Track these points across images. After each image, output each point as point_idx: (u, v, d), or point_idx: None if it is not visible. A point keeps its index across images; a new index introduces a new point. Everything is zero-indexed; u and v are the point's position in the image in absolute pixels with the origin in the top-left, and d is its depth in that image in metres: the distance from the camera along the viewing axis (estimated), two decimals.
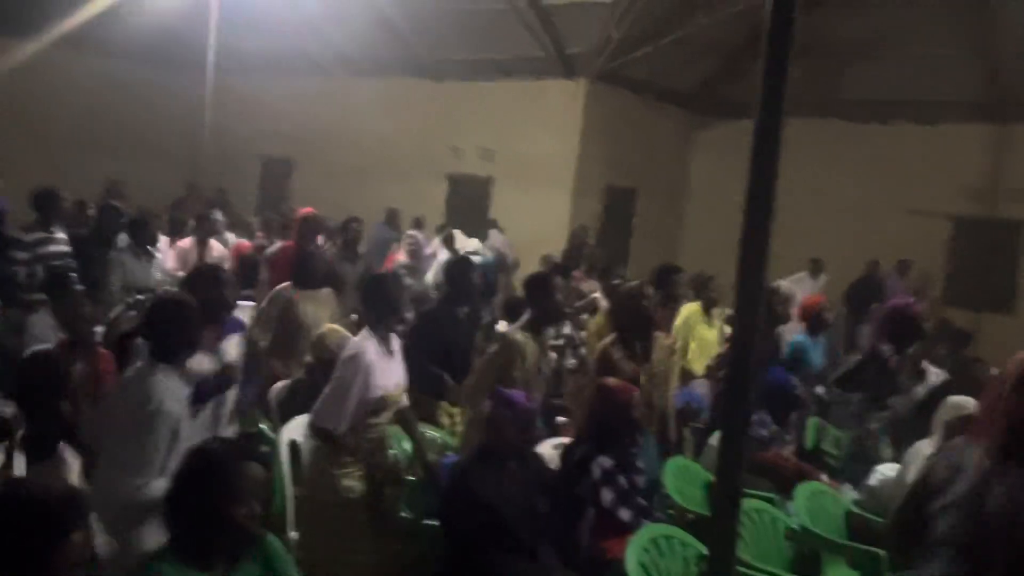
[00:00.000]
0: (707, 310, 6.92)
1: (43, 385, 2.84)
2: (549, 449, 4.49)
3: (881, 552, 3.96)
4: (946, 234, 12.94)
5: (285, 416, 4.63)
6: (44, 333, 5.25)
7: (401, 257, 10.04)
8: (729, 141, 13.88)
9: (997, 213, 12.68)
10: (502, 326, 6.45)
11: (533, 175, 13.17)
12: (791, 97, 2.24)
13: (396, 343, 4.19)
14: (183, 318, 3.36)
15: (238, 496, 2.36)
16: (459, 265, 5.97)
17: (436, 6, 12.95)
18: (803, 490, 4.41)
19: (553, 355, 5.54)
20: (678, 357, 5.84)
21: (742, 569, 3.54)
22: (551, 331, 5.09)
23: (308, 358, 4.98)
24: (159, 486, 3.04)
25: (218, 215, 9.41)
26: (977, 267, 12.64)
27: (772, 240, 2.27)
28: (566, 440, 4.45)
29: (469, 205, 13.74)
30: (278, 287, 5.95)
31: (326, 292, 6.04)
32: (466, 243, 11.03)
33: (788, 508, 4.40)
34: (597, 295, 7.65)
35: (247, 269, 7.40)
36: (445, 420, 5.26)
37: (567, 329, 6.31)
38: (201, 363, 3.78)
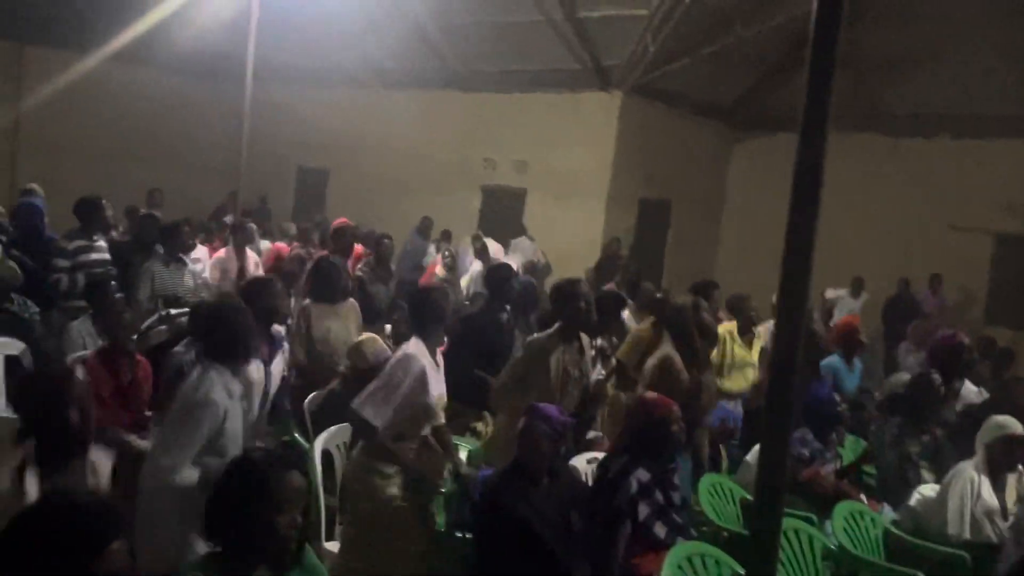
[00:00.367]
0: (743, 330, 6.83)
1: (45, 400, 2.85)
2: (582, 463, 4.47)
3: (919, 574, 3.88)
4: (988, 251, 12.72)
5: (318, 426, 4.65)
6: (83, 340, 5.34)
7: (439, 271, 10.08)
8: (766, 154, 13.87)
9: None
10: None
11: (567, 187, 13.16)
12: (831, 110, 2.20)
13: (440, 356, 4.23)
14: (238, 322, 3.47)
15: (280, 504, 2.36)
16: (499, 271, 6.05)
17: (472, 18, 13.02)
18: (841, 510, 4.34)
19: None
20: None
21: None
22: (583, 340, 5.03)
23: (343, 368, 5.00)
24: (189, 475, 3.07)
25: (251, 224, 9.51)
26: (1020, 285, 12.37)
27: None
28: (599, 454, 4.43)
29: (503, 217, 13.75)
30: (302, 306, 5.96)
31: (349, 304, 6.04)
32: (497, 252, 11.03)
33: (826, 528, 4.33)
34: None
35: (285, 280, 7.46)
36: (481, 428, 5.26)
37: (600, 340, 6.28)
38: (255, 371, 3.83)
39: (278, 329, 4.88)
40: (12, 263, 5.79)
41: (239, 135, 11.28)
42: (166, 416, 3.50)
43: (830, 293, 11.11)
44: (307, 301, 5.90)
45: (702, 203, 14.91)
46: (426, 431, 4.00)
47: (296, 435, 4.93)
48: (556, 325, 4.94)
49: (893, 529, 4.50)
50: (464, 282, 10.27)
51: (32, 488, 2.72)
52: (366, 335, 5.22)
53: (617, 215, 13.25)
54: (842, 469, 5.07)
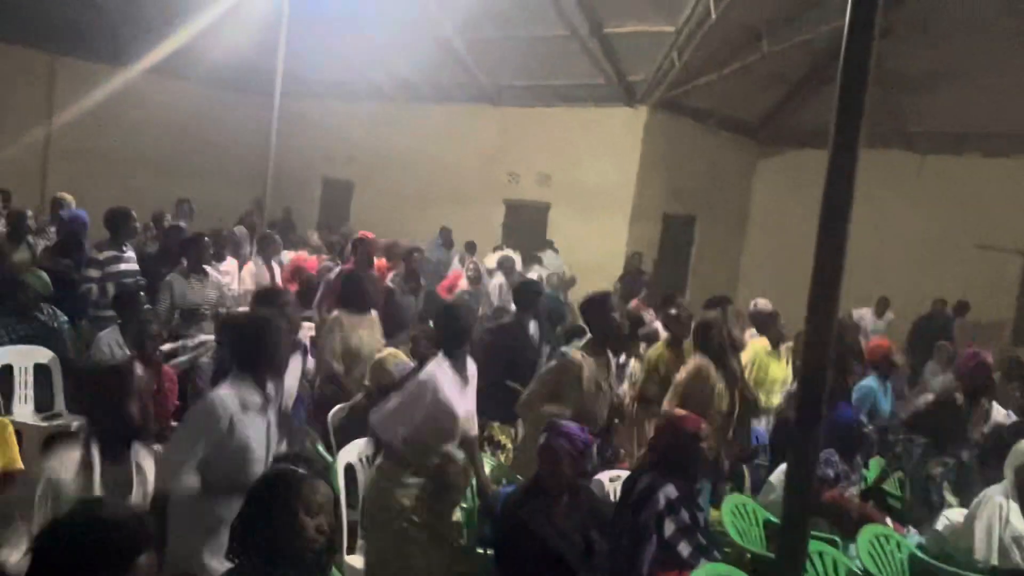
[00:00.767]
0: (775, 345, 6.83)
1: (110, 392, 2.94)
2: (606, 481, 4.46)
3: None
4: (1017, 271, 12.56)
5: (341, 440, 4.67)
6: (111, 349, 5.40)
7: (463, 284, 10.10)
8: (791, 170, 13.83)
9: None
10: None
11: (591, 201, 13.17)
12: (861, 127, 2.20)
13: (472, 369, 4.17)
14: (267, 334, 3.42)
15: (310, 507, 2.38)
16: (529, 286, 6.11)
17: (498, 33, 13.08)
18: (866, 532, 4.30)
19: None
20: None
21: None
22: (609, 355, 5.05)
23: (367, 382, 5.02)
24: (189, 481, 3.08)
25: (277, 236, 9.58)
26: None
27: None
28: (622, 472, 4.41)
29: (526, 230, 13.78)
30: (331, 316, 5.98)
31: (373, 315, 6.10)
32: (521, 266, 11.06)
33: (850, 551, 4.28)
34: (657, 325, 7.59)
35: (307, 290, 7.51)
36: (506, 441, 5.26)
37: (623, 357, 6.28)
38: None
39: (300, 339, 4.92)
40: (42, 273, 5.87)
41: (267, 147, 11.42)
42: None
43: (856, 313, 11.04)
44: (336, 312, 5.92)
45: (727, 219, 14.87)
46: (451, 446, 3.99)
47: (319, 448, 4.95)
48: (587, 338, 4.97)
49: (918, 553, 4.44)
50: (490, 287, 10.29)
51: (96, 478, 2.80)
52: (388, 350, 5.25)
53: (641, 230, 13.24)
54: (866, 491, 5.02)
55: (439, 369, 3.97)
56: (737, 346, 5.16)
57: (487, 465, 4.75)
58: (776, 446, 5.64)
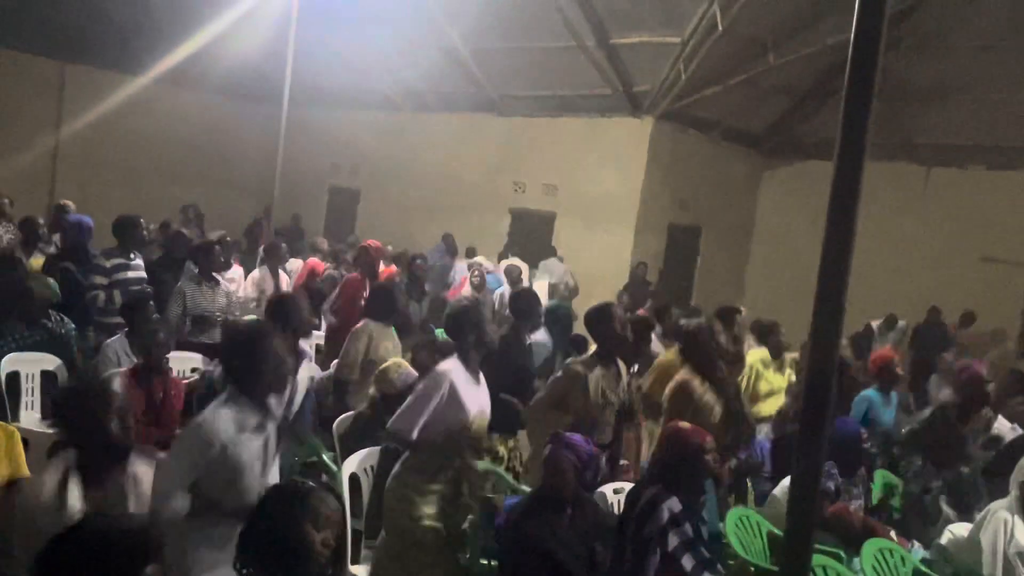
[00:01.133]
0: (775, 356, 6.83)
1: (85, 412, 2.88)
2: (610, 493, 4.45)
3: None
4: (1022, 283, 12.53)
5: (346, 449, 4.68)
6: (118, 357, 5.42)
7: (466, 289, 10.13)
8: (796, 182, 13.86)
9: None
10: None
11: (596, 211, 13.19)
12: (867, 139, 2.21)
13: (482, 375, 4.20)
14: (261, 350, 3.26)
15: (318, 521, 2.39)
16: (526, 296, 6.11)
17: (505, 43, 13.13)
18: (870, 547, 4.28)
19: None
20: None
21: None
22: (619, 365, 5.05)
23: (372, 391, 5.03)
24: (179, 504, 3.04)
25: (283, 244, 9.63)
26: None
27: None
28: (626, 484, 4.41)
29: (531, 240, 13.80)
30: (359, 324, 6.00)
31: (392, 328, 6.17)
32: (523, 271, 11.06)
33: (854, 564, 4.27)
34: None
35: (313, 299, 7.53)
36: (503, 452, 5.26)
37: (636, 366, 6.28)
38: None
39: (303, 347, 4.94)
40: (50, 280, 5.89)
41: (274, 155, 11.47)
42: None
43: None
44: (365, 321, 5.96)
45: (732, 230, 14.87)
46: (467, 453, 3.99)
47: (325, 458, 4.96)
48: (594, 348, 4.97)
49: (923, 568, 4.43)
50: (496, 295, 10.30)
51: (74, 499, 2.76)
52: (393, 360, 5.26)
53: (646, 240, 13.25)
54: (874, 506, 5.01)
55: (452, 364, 4.02)
56: (728, 356, 5.10)
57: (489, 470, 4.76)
58: (777, 459, 5.63)
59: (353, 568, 4.13)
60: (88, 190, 12.68)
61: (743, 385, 6.69)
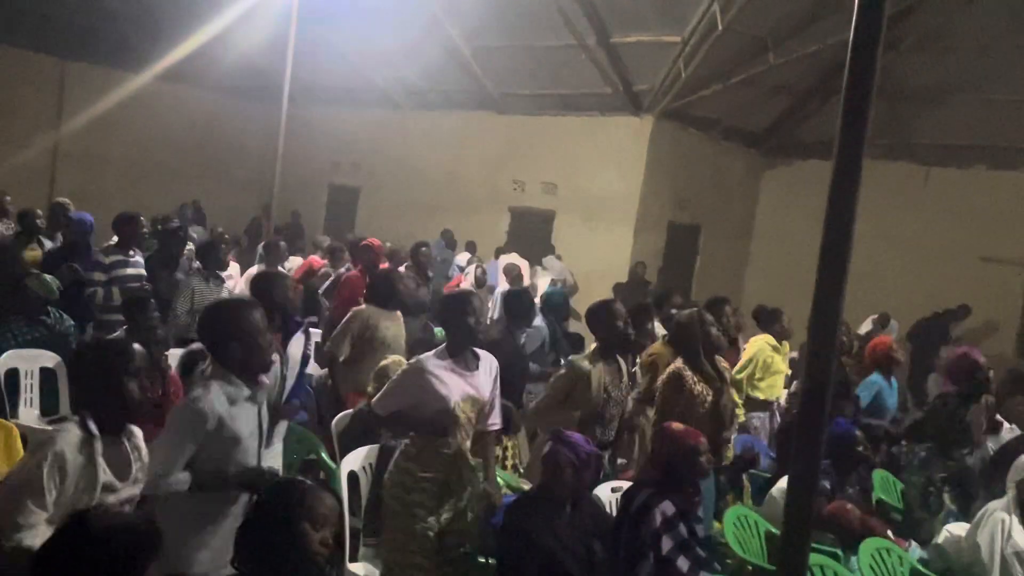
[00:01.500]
0: (780, 341, 6.96)
1: (108, 369, 2.82)
2: (607, 492, 4.46)
3: None
4: (1021, 284, 12.55)
5: (345, 447, 4.68)
6: None
7: (465, 286, 10.15)
8: (796, 181, 13.85)
9: None
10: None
11: (596, 210, 13.20)
12: (866, 139, 2.22)
13: (485, 362, 4.12)
14: (241, 321, 3.19)
15: (316, 519, 2.39)
16: (521, 297, 6.13)
17: (506, 41, 13.13)
18: (867, 546, 4.29)
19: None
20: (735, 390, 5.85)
21: None
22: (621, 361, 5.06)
23: (370, 388, 5.04)
24: (179, 479, 3.02)
25: (282, 242, 9.64)
26: None
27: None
28: (624, 483, 4.41)
29: (531, 238, 13.81)
30: (361, 306, 6.08)
31: (398, 314, 6.24)
32: (524, 268, 11.08)
33: (851, 564, 4.27)
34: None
35: (309, 296, 7.54)
36: (499, 452, 5.26)
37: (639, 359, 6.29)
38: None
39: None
40: (48, 278, 5.89)
41: (274, 153, 11.47)
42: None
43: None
44: (363, 306, 6.10)
45: (731, 229, 14.88)
46: (459, 436, 3.97)
47: (324, 455, 4.96)
48: (595, 344, 4.99)
49: (920, 568, 4.44)
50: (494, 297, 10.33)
51: (98, 454, 2.74)
52: (392, 357, 5.27)
53: (646, 239, 13.26)
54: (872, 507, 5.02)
55: (430, 357, 3.98)
56: (719, 346, 5.10)
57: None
58: (780, 456, 5.64)
59: (351, 566, 4.13)
60: (88, 187, 12.68)
61: (749, 371, 6.79)
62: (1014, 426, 6.37)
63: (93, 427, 2.79)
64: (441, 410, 3.87)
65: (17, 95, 13.59)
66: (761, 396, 6.89)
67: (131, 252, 6.80)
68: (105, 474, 2.77)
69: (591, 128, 13.44)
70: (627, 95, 12.91)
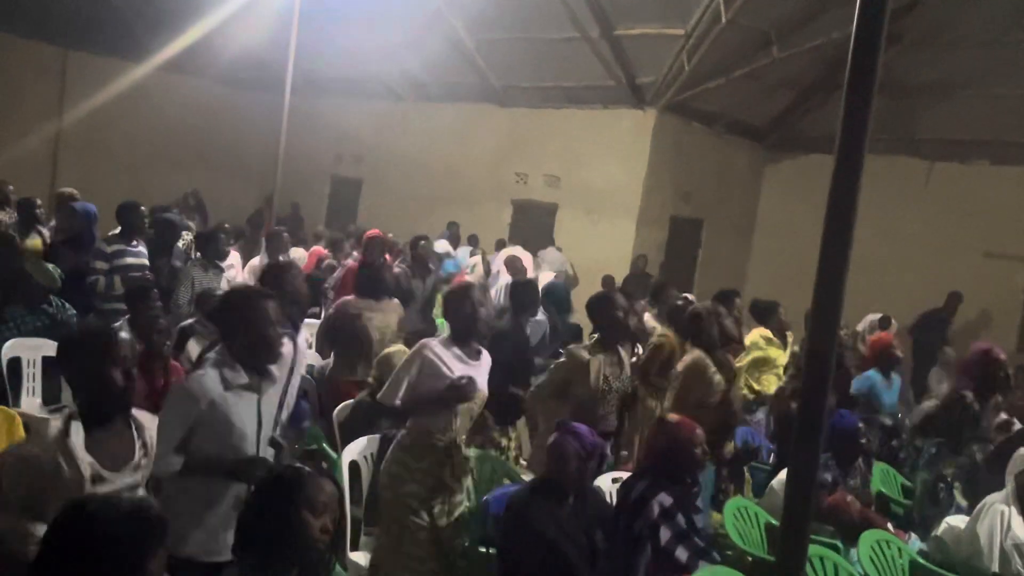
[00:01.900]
0: (778, 334, 6.96)
1: (89, 357, 2.77)
2: (607, 483, 4.47)
3: None
4: (1023, 279, 12.54)
5: (346, 437, 4.69)
6: None
7: (468, 279, 10.14)
8: (799, 175, 13.83)
9: None
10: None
11: (598, 203, 13.18)
12: (868, 133, 2.22)
13: (484, 356, 4.16)
14: (253, 309, 3.21)
15: (315, 506, 2.39)
16: (524, 286, 6.16)
17: (509, 34, 13.11)
18: (867, 538, 4.30)
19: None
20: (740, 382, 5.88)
21: None
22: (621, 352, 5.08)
23: (371, 379, 5.05)
24: (171, 463, 3.03)
25: (285, 232, 9.64)
26: None
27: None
28: (624, 474, 4.42)
29: (533, 231, 13.80)
30: (343, 299, 6.13)
31: (394, 303, 6.27)
32: (527, 260, 11.08)
33: (851, 555, 4.29)
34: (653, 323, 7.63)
35: (311, 287, 7.52)
36: (505, 443, 5.28)
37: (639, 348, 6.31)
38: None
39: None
40: (50, 267, 5.89)
41: (276, 144, 11.46)
42: None
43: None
44: (351, 297, 6.15)
45: (734, 222, 14.86)
46: (458, 425, 3.98)
47: (325, 445, 4.98)
48: (595, 334, 5.02)
49: (920, 559, 4.45)
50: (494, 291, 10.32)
51: (78, 447, 2.68)
52: (395, 347, 5.28)
53: (648, 232, 13.25)
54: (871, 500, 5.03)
55: (435, 342, 4.04)
56: (734, 339, 5.16)
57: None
58: (780, 449, 5.65)
59: (352, 554, 4.15)
60: (90, 177, 12.65)
61: (745, 363, 6.82)
62: (1013, 419, 6.38)
63: (74, 423, 2.74)
64: (450, 385, 3.89)
65: (19, 84, 13.57)
66: (756, 387, 6.90)
67: (134, 242, 6.81)
68: (92, 466, 2.69)
69: (594, 121, 13.41)
70: (630, 88, 12.88)
